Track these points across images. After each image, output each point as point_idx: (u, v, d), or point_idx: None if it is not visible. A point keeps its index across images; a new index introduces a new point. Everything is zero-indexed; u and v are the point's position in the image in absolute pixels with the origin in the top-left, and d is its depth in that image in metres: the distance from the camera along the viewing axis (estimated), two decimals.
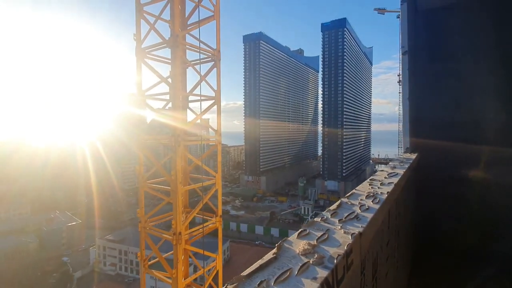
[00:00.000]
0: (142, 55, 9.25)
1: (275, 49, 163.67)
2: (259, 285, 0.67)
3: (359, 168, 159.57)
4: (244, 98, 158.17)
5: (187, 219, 8.59)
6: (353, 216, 1.19)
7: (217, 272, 9.84)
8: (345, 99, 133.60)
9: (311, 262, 0.77)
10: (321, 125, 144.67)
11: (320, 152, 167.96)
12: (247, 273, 0.72)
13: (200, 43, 9.83)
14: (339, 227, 1.07)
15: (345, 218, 1.17)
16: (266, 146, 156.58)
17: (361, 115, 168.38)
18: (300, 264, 0.74)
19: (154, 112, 9.17)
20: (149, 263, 8.91)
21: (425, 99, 4.33)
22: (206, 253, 8.71)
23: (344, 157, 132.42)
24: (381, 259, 1.66)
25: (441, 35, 4.20)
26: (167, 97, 9.82)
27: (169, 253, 9.05)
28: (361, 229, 1.02)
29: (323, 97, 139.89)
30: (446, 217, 4.46)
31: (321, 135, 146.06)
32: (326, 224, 1.11)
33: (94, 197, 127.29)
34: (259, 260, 0.79)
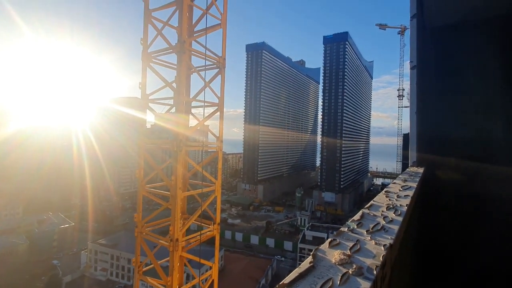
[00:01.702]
0: (148, 59, 9.33)
1: (277, 59, 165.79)
2: None
3: (357, 180, 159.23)
4: (244, 106, 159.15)
5: (184, 226, 8.47)
6: (379, 227, 1.17)
7: (213, 281, 9.63)
8: (344, 111, 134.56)
9: (350, 272, 0.74)
10: (321, 136, 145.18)
11: (318, 163, 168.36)
12: (288, 281, 0.69)
13: (206, 50, 9.95)
14: (369, 237, 1.05)
15: (372, 229, 1.16)
16: (264, 155, 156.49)
17: (360, 128, 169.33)
18: (340, 274, 0.72)
19: (157, 116, 9.17)
20: (144, 269, 8.73)
21: (432, 114, 4.36)
22: (202, 261, 8.55)
23: (342, 169, 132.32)
24: (400, 270, 1.63)
25: (448, 52, 4.28)
26: (171, 101, 9.85)
27: (164, 260, 8.88)
28: (391, 241, 1.01)
29: (323, 109, 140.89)
30: (450, 231, 4.42)
31: (320, 146, 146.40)
32: (354, 235, 1.09)
33: (89, 200, 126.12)
34: (297, 269, 0.76)
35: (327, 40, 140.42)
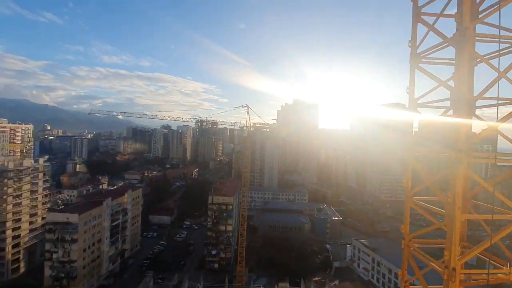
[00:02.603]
0: (416, 61, 8.69)
1: None
2: None
3: None
4: None
5: (464, 255, 6.81)
6: None
7: None
8: None
9: None
10: None
11: None
12: None
13: (500, 30, 7.44)
14: None
15: None
16: None
17: None
18: None
19: (427, 122, 8.22)
20: (410, 287, 8.12)
21: None
22: None
23: None
24: None
25: None
26: (443, 103, 8.49)
27: (435, 287, 7.70)
28: None
29: None
30: None
31: None
32: None
33: (356, 200, 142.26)
34: None
35: None
